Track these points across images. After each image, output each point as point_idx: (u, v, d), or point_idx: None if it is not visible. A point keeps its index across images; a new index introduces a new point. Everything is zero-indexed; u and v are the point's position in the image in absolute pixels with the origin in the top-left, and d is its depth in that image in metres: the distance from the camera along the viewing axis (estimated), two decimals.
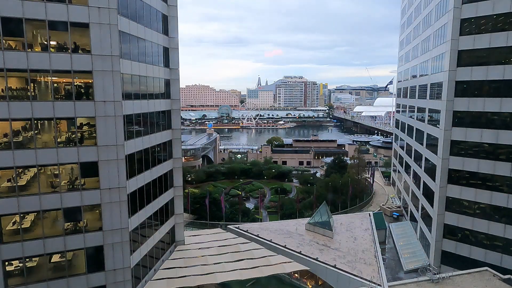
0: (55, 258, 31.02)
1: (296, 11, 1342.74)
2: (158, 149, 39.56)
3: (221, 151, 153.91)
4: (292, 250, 44.30)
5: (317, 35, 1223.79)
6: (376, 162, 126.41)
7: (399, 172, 74.44)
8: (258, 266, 40.17)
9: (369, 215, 57.62)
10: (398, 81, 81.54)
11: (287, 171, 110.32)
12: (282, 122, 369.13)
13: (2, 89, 27.53)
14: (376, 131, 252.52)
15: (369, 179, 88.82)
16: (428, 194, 47.50)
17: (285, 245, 45.36)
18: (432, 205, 45.43)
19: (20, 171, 29.34)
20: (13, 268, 29.54)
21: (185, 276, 37.89)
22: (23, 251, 29.25)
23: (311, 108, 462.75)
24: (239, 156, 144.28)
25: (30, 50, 28.26)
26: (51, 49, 28.73)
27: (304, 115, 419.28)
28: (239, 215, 67.12)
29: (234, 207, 71.76)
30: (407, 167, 63.50)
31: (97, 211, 31.69)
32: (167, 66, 41.76)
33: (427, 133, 50.05)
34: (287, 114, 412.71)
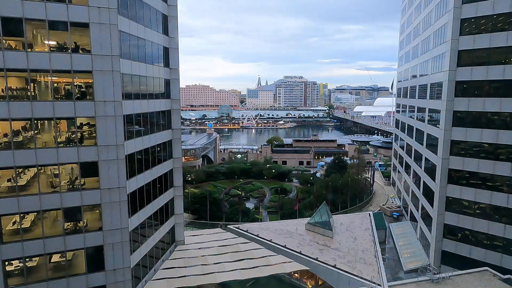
0: (55, 258, 31.03)
1: None
2: (158, 149, 39.55)
3: (221, 151, 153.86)
4: (292, 250, 44.27)
5: (270, 18, 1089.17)
6: (376, 162, 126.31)
7: (399, 172, 74.43)
8: (258, 266, 40.17)
9: (369, 215, 57.59)
10: (398, 81, 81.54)
11: (287, 171, 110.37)
12: (282, 122, 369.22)
13: (2, 89, 27.52)
14: (376, 131, 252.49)
15: (369, 179, 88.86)
16: (428, 194, 47.48)
17: (285, 245, 45.34)
18: (432, 205, 45.42)
19: (20, 171, 29.35)
20: (13, 268, 29.54)
21: (185, 276, 37.89)
22: (23, 251, 29.24)
23: (311, 108, 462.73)
24: (239, 156, 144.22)
25: (30, 50, 28.25)
26: (51, 49, 28.75)
27: (304, 115, 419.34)
28: (239, 215, 67.08)
29: (234, 207, 71.72)
30: (407, 167, 63.49)
31: (97, 211, 31.69)
32: (167, 66, 41.75)
33: (427, 133, 50.04)
34: (287, 114, 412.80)
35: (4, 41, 27.16)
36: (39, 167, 29.60)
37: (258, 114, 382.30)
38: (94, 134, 30.64)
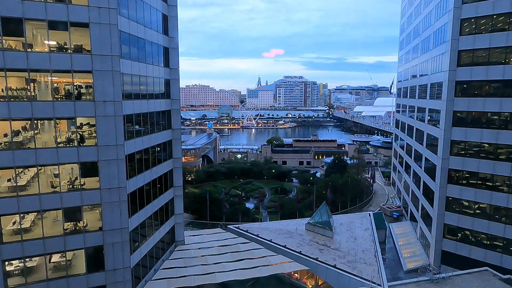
0: (55, 258, 31.03)
1: None
2: (158, 149, 39.55)
3: (221, 151, 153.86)
4: (292, 250, 44.25)
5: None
6: (376, 162, 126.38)
7: (399, 172, 74.42)
8: (258, 266, 40.17)
9: (369, 215, 57.60)
10: (398, 81, 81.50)
11: (287, 171, 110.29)
12: (282, 122, 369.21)
13: (2, 89, 27.52)
14: (376, 131, 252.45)
15: (369, 179, 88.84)
16: (428, 194, 47.48)
17: (285, 245, 45.33)
18: (432, 205, 45.41)
19: (20, 171, 29.35)
20: (13, 268, 29.54)
21: (185, 276, 37.89)
22: (23, 251, 29.23)
23: (311, 108, 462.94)
24: (239, 156, 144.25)
25: (30, 50, 28.24)
26: (51, 49, 28.74)
27: (304, 115, 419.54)
28: (239, 215, 67.09)
29: (234, 207, 71.71)
30: (407, 167, 63.48)
31: (97, 211, 31.70)
32: (167, 66, 41.74)
33: (427, 133, 50.03)
34: (287, 114, 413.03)
35: (4, 41, 27.16)
36: (39, 167, 29.60)
37: (258, 114, 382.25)
38: (94, 134, 30.63)
